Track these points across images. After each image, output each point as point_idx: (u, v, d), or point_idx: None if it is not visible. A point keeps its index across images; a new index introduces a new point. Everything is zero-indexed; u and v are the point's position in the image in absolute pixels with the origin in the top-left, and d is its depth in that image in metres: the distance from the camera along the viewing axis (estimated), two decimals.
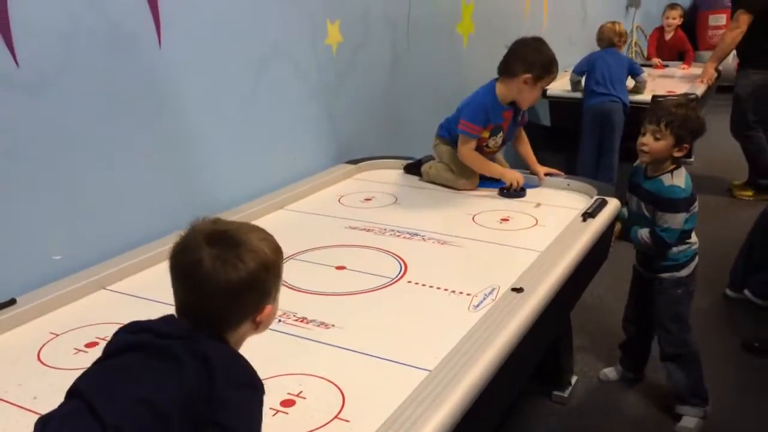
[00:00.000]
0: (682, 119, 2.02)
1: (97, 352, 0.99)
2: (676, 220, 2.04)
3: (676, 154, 2.05)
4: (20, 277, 1.55)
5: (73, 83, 1.65)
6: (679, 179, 2.06)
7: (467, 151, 2.32)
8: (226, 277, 0.95)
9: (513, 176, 2.29)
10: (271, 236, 1.06)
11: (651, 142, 2.04)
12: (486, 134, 2.36)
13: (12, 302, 1.47)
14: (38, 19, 1.55)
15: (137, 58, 1.81)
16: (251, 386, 0.95)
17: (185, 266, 0.98)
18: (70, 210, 1.69)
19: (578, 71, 4.03)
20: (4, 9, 1.47)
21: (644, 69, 4.20)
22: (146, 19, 1.81)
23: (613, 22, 4.08)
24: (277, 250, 1.05)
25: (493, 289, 1.56)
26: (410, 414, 1.08)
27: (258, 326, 1.03)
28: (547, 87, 4.23)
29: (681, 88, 4.19)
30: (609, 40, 3.99)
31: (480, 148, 2.38)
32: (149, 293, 1.58)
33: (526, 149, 2.48)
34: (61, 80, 1.62)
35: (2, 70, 1.49)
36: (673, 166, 2.07)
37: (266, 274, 1.00)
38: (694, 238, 2.15)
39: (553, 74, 2.30)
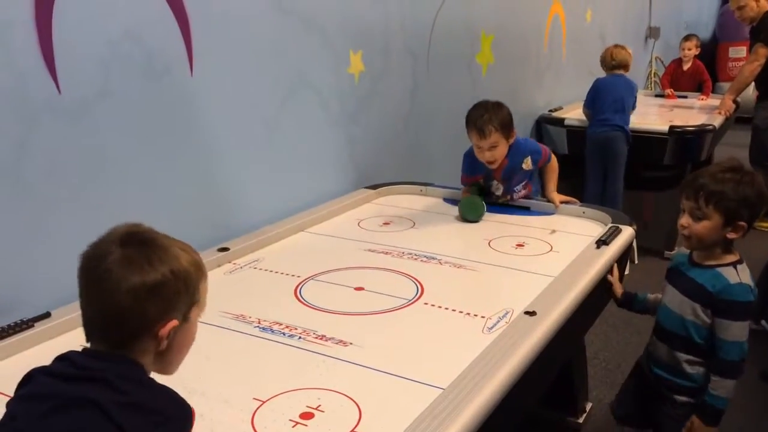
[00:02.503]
0: (730, 188, 1.56)
1: None
2: (743, 330, 1.59)
3: (730, 236, 1.60)
4: (54, 292, 1.63)
5: (110, 108, 1.74)
6: (746, 276, 1.61)
7: None
8: (128, 278, 0.88)
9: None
10: (194, 251, 0.98)
11: (691, 223, 1.61)
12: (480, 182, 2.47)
13: (47, 315, 1.54)
14: (79, 47, 1.65)
15: (170, 84, 1.90)
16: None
17: (89, 266, 0.91)
18: (102, 228, 1.77)
19: (590, 105, 3.99)
20: (49, 40, 1.57)
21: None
22: (180, 48, 1.91)
23: (623, 46, 4.03)
24: (196, 264, 0.97)
25: (507, 312, 1.60)
26: (424, 429, 1.12)
27: (161, 342, 0.93)
28: (564, 116, 4.33)
29: (699, 120, 4.22)
30: (623, 63, 3.94)
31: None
32: None
33: (548, 177, 2.54)
34: (99, 106, 1.71)
35: (47, 97, 1.59)
36: (735, 258, 1.63)
37: (176, 283, 0.92)
38: None
39: (468, 129, 2.35)
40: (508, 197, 2.49)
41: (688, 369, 1.70)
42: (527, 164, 2.45)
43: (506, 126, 2.34)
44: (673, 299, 1.70)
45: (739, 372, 1.63)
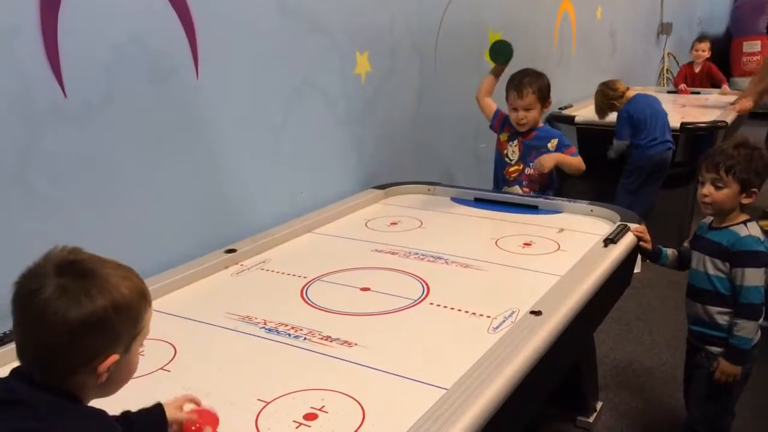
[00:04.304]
0: (744, 160, 1.83)
1: None
2: (758, 276, 1.82)
3: (745, 201, 1.86)
4: None
5: (116, 113, 1.75)
6: (755, 230, 1.87)
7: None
8: (65, 312, 0.84)
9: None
10: (139, 279, 0.94)
11: (713, 192, 1.86)
12: (504, 137, 2.69)
13: None
14: (84, 52, 1.66)
15: (176, 88, 1.91)
16: None
17: (23, 294, 0.86)
18: (107, 232, 1.79)
19: (625, 135, 3.69)
20: (54, 46, 1.58)
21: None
22: (185, 51, 1.92)
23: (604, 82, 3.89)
24: (140, 293, 0.92)
25: (513, 312, 1.60)
26: (427, 430, 1.12)
27: (99, 377, 0.89)
28: (574, 114, 4.30)
29: (711, 116, 4.17)
30: (624, 87, 3.80)
31: (504, 164, 2.71)
32: (181, 311, 1.66)
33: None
34: (104, 110, 1.72)
35: (53, 102, 1.60)
36: (746, 217, 1.89)
37: (117, 317, 0.88)
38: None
39: (508, 89, 2.62)
40: (521, 166, 2.63)
41: (720, 320, 1.92)
42: (552, 144, 2.61)
43: (543, 92, 2.57)
44: (698, 261, 1.96)
45: (758, 313, 1.84)
